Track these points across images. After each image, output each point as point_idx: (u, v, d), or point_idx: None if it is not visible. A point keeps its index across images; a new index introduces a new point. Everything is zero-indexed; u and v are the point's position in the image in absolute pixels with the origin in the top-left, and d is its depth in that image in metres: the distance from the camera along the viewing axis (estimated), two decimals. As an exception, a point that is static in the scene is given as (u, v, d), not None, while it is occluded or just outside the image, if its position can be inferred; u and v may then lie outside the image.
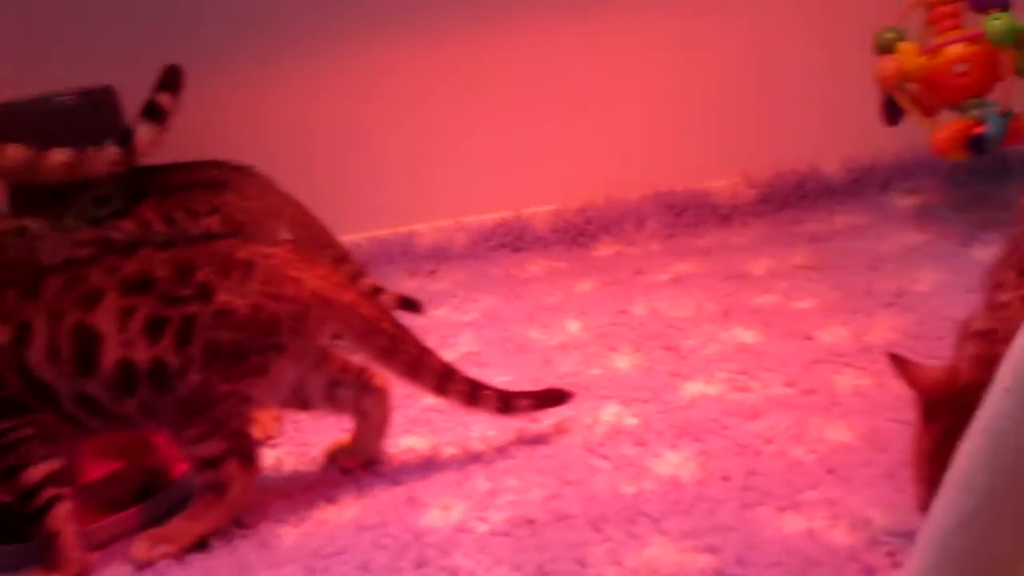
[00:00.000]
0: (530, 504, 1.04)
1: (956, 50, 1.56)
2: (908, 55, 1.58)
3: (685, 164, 1.94)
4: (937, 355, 1.21)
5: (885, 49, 1.63)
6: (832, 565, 0.86)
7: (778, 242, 1.74)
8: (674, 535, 0.94)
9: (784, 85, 1.92)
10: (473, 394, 1.16)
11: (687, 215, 1.91)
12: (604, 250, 1.88)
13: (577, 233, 1.94)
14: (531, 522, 1.01)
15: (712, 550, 0.90)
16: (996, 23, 1.51)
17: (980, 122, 1.54)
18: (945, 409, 0.83)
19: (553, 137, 1.96)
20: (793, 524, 0.93)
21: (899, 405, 1.11)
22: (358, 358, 1.16)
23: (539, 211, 1.97)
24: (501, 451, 1.17)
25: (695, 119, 1.94)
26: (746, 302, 1.49)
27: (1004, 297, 0.94)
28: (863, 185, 1.88)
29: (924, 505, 0.79)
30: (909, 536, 0.88)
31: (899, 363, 0.87)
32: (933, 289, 1.43)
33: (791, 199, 1.89)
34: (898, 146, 1.87)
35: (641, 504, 1.00)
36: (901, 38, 1.62)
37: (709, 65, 1.92)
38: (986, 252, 1.52)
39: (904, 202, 1.83)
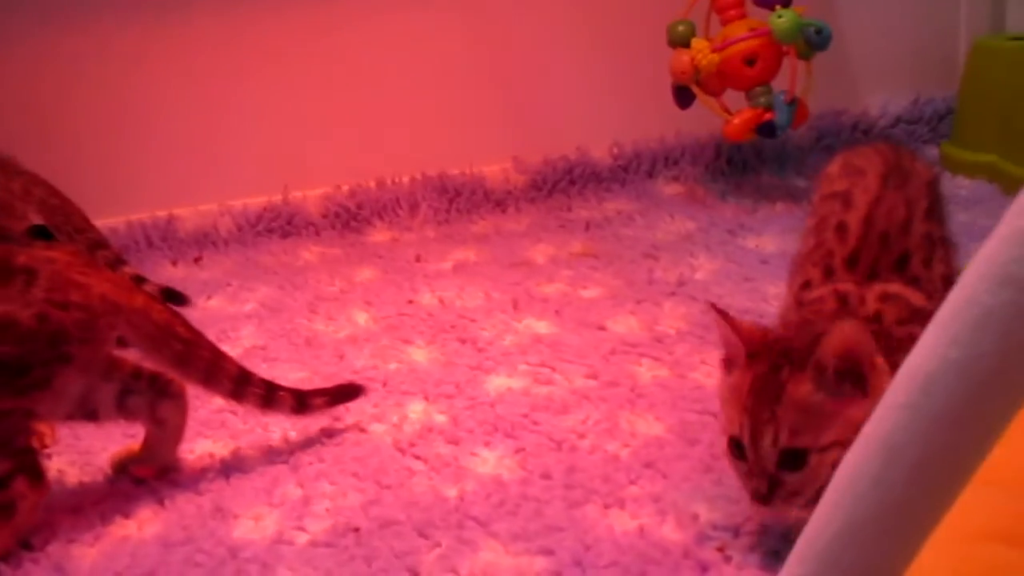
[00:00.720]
0: (350, 511, 1.01)
1: (744, 44, 1.64)
2: (701, 51, 1.64)
3: (457, 148, 1.93)
4: (728, 344, 1.27)
5: (678, 42, 1.68)
6: (668, 563, 0.88)
7: (554, 229, 1.77)
8: (505, 538, 0.94)
9: (554, 70, 1.94)
10: (268, 396, 1.11)
11: (461, 200, 1.90)
12: (378, 236, 1.85)
13: (349, 218, 1.89)
14: (355, 530, 0.98)
15: (547, 552, 0.91)
16: (781, 22, 1.59)
17: (769, 109, 1.63)
18: (764, 354, 0.85)
19: (322, 118, 1.91)
20: (622, 522, 0.94)
21: (701, 396, 1.15)
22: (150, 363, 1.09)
23: (309, 195, 1.91)
24: (308, 453, 1.13)
25: (466, 102, 1.94)
26: (533, 291, 1.50)
27: (814, 294, 0.99)
28: (630, 171, 1.93)
29: (750, 434, 0.82)
30: (735, 530, 0.91)
31: (722, 315, 0.88)
32: (711, 277, 1.49)
33: (561, 185, 1.92)
34: (662, 132, 1.93)
35: (467, 507, 0.99)
36: (693, 32, 1.68)
37: (480, 49, 1.92)
38: (756, 240, 1.61)
39: (670, 188, 1.90)
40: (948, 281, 1.02)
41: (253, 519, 1.02)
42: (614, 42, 1.91)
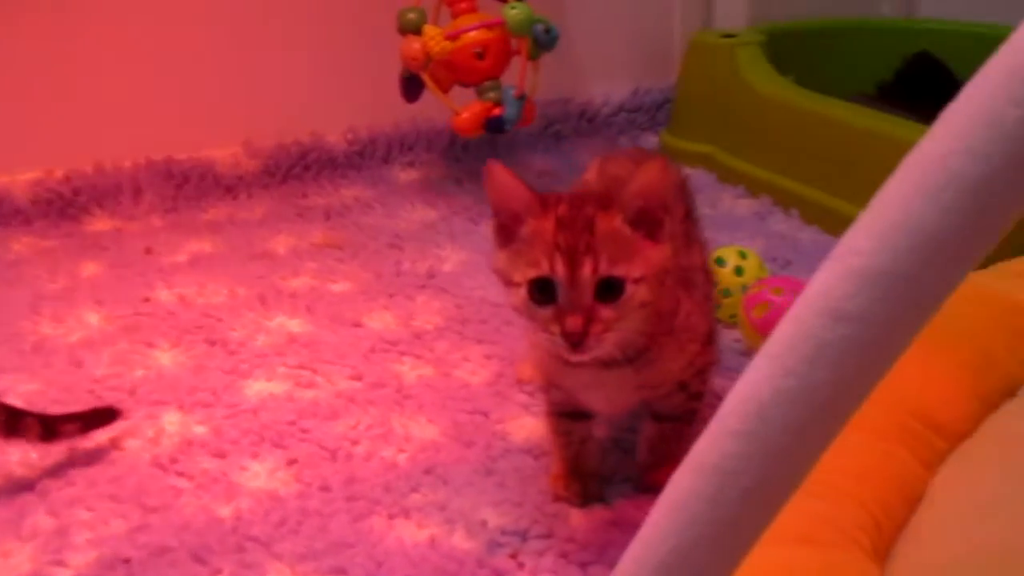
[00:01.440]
0: (115, 539, 0.94)
1: (475, 35, 1.64)
2: (434, 37, 1.62)
3: (184, 131, 1.83)
4: (487, 339, 1.29)
5: (409, 29, 1.66)
6: (463, 575, 0.88)
7: (291, 217, 1.72)
8: (291, 559, 0.91)
9: (286, 50, 1.88)
10: (11, 424, 1.02)
11: (189, 187, 1.81)
12: (99, 225, 1.73)
13: (64, 205, 1.75)
14: (125, 561, 0.91)
15: (338, 572, 0.88)
16: (515, 13, 1.61)
17: (498, 104, 1.65)
18: (558, 201, 0.83)
19: (32, 95, 1.76)
20: (411, 533, 0.93)
21: (469, 395, 1.16)
22: None
23: (17, 179, 1.76)
24: (56, 477, 1.04)
25: (193, 82, 1.84)
26: (279, 286, 1.46)
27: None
28: (365, 157, 1.90)
29: (566, 266, 0.79)
30: (523, 535, 0.93)
31: (505, 169, 0.84)
32: (461, 268, 1.50)
33: (295, 171, 1.87)
34: (397, 117, 1.92)
35: (244, 527, 0.95)
36: (424, 19, 1.67)
37: (208, 25, 1.83)
38: (498, 231, 1.63)
39: (407, 175, 1.89)
40: (705, 270, 1.07)
41: (1, 556, 0.93)
42: (350, 23, 1.88)
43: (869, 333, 0.52)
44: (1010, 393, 1.01)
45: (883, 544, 0.79)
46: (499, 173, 0.84)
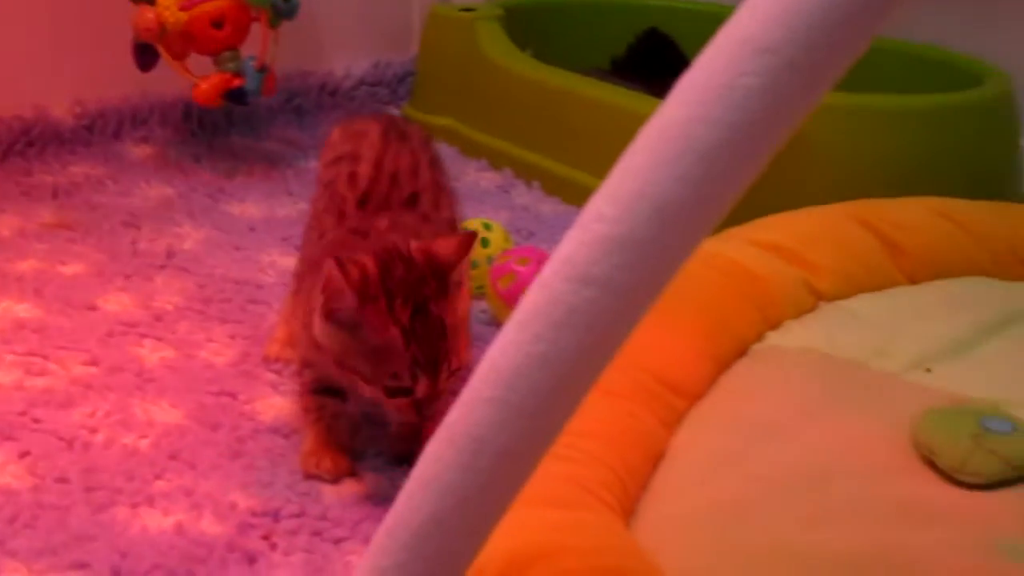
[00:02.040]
0: None
1: (211, 5, 1.58)
2: (168, 7, 1.55)
3: None
4: (231, 319, 1.25)
5: (141, -1, 1.58)
6: (213, 560, 0.85)
7: (16, 197, 1.61)
8: (27, 556, 0.85)
9: (4, 18, 1.75)
10: None
11: None
12: None
13: None
14: None
15: (80, 566, 0.84)
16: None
17: (238, 75, 1.59)
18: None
19: None
20: (156, 521, 0.90)
21: (214, 376, 1.13)
22: None
23: None
24: None
25: None
26: (5, 269, 1.36)
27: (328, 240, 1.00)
28: (95, 132, 1.80)
29: (429, 376, 0.87)
30: (275, 515, 0.91)
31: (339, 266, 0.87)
32: (201, 247, 1.44)
33: (18, 147, 1.74)
34: (127, 90, 1.82)
35: (-28, 526, 0.89)
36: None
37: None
38: (240, 206, 1.58)
39: (140, 151, 1.80)
40: (453, 225, 1.08)
41: None
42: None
43: (613, 297, 0.53)
44: (741, 353, 1.07)
45: (629, 502, 0.83)
46: (335, 271, 0.86)
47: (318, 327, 0.89)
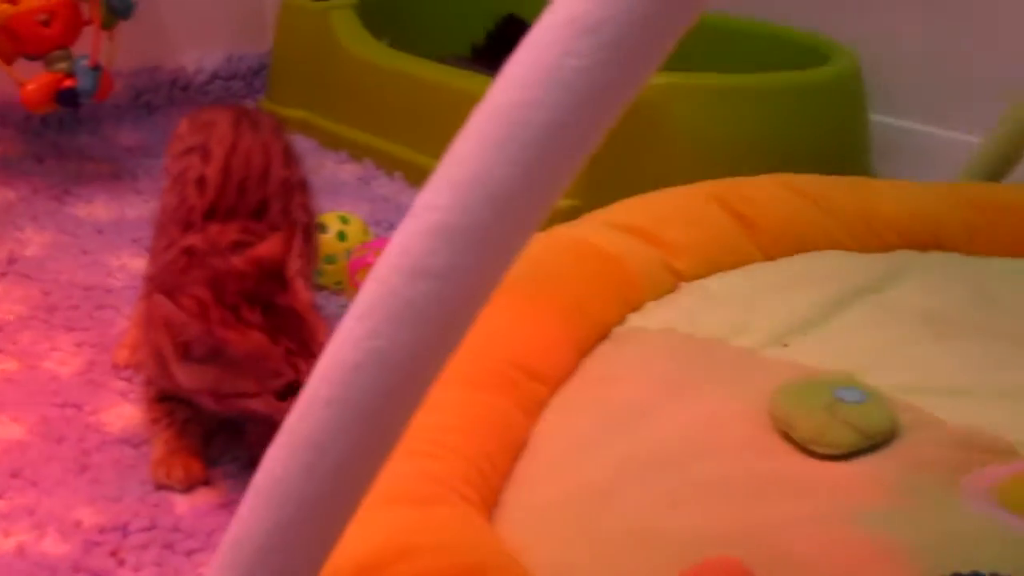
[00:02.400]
0: None
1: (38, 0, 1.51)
2: (-6, 5, 1.48)
3: None
4: (78, 326, 1.20)
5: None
6: (58, 580, 0.81)
7: None
8: None
9: None
10: None
11: None
12: None
13: None
14: None
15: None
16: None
17: (69, 75, 1.52)
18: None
19: None
20: (-4, 543, 0.85)
21: (59, 388, 1.08)
22: None
23: None
24: None
25: None
26: None
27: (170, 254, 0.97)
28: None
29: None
30: (124, 530, 0.87)
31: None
32: (45, 252, 1.38)
33: None
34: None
35: None
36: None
37: None
38: (87, 208, 1.52)
39: (-22, 154, 1.71)
40: (307, 229, 1.06)
41: None
42: None
43: (450, 288, 0.52)
44: (603, 337, 1.07)
45: (491, 494, 0.81)
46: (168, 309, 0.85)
47: (180, 373, 0.87)
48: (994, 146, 1.49)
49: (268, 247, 0.91)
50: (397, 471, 0.73)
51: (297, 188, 1.06)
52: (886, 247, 1.31)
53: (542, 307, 1.02)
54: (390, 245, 0.52)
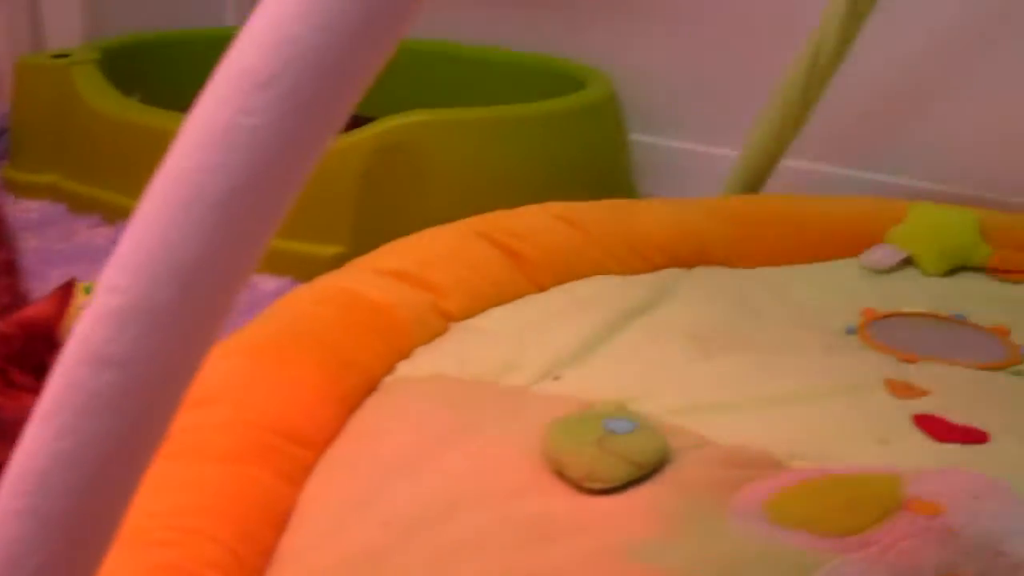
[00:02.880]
0: None
1: None
2: None
3: None
4: None
5: None
6: None
7: None
8: None
9: None
10: None
11: None
12: None
13: None
14: None
15: None
16: None
17: None
18: None
19: None
20: None
21: None
22: None
23: None
24: None
25: None
26: None
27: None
28: None
29: None
30: None
31: None
32: None
33: None
34: None
35: None
36: None
37: None
38: None
39: None
40: (10, 311, 0.99)
41: None
42: None
43: (138, 376, 0.47)
44: (371, 390, 1.03)
45: (245, 573, 0.76)
46: None
47: None
48: (749, 159, 1.54)
49: (39, 308, 0.87)
50: (132, 566, 0.67)
51: (3, 271, 0.99)
52: (652, 267, 1.33)
53: (303, 366, 0.97)
54: (73, 333, 0.47)
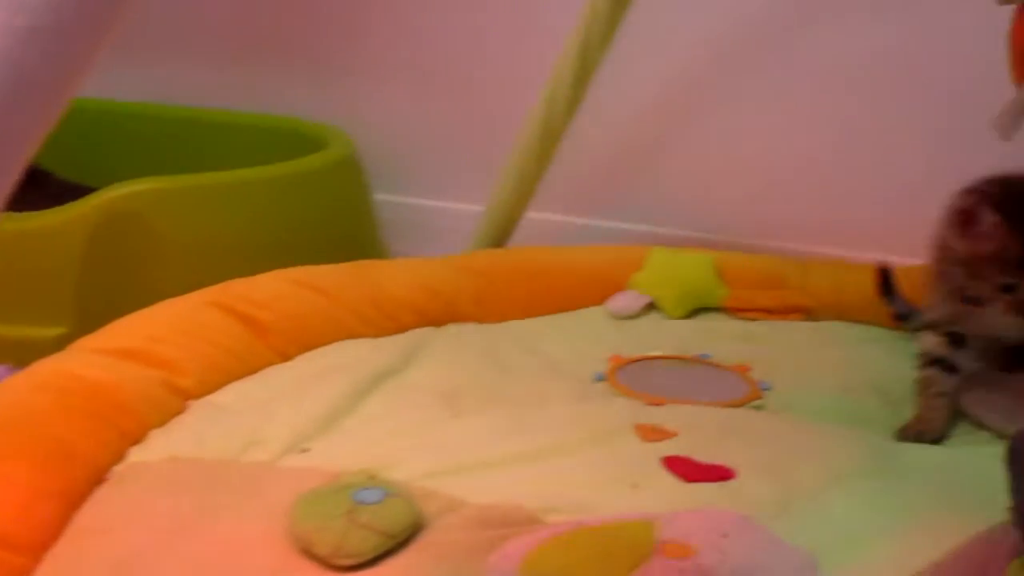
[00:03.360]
0: None
1: None
2: None
3: None
4: None
5: None
6: None
7: None
8: None
9: None
10: None
11: None
12: None
13: None
14: None
15: None
16: None
17: None
18: None
19: None
20: None
21: None
22: None
23: None
24: None
25: None
26: None
27: None
28: None
29: None
30: None
31: None
32: None
33: None
34: None
35: None
36: None
37: None
38: None
39: None
40: None
41: None
42: None
43: None
44: (99, 481, 0.95)
45: None
46: None
47: None
48: (493, 214, 1.54)
49: None
50: None
51: None
52: (401, 328, 1.30)
53: (14, 462, 0.88)
54: None
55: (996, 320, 0.99)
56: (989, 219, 0.95)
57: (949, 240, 1.02)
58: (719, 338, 1.33)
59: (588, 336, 1.33)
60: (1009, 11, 1.09)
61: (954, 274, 1.03)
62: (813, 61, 1.59)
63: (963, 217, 0.98)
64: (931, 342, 1.12)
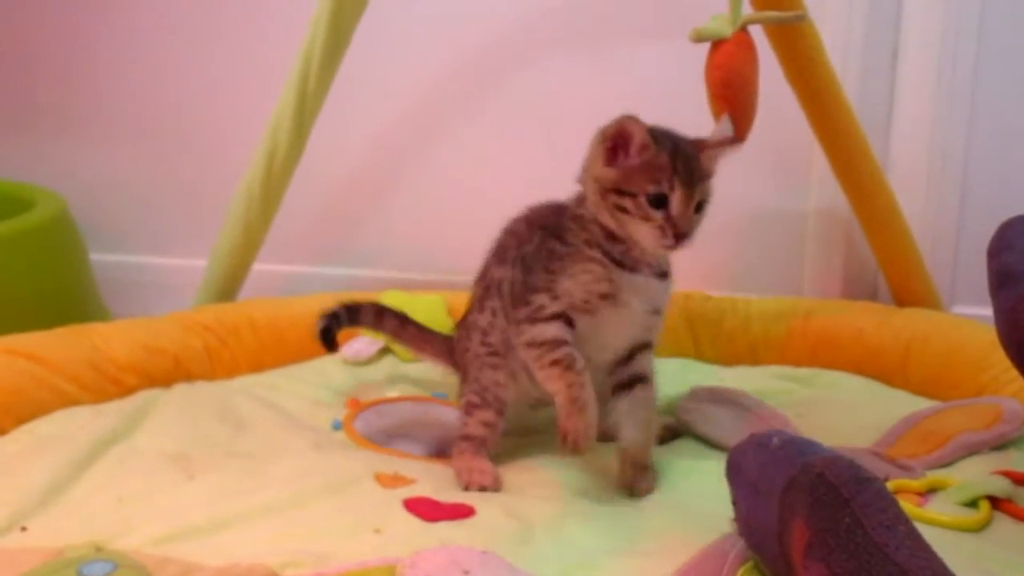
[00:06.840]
0: None
1: None
2: None
3: None
4: None
5: None
6: None
7: None
8: None
9: None
10: None
11: None
12: None
13: None
14: None
15: None
16: None
17: None
18: None
19: None
20: None
21: None
22: None
23: None
24: None
25: None
26: None
27: None
28: None
29: None
30: None
31: None
32: None
33: None
34: None
35: None
36: None
37: None
38: None
39: None
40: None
41: None
42: None
43: None
44: None
45: None
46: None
47: None
48: (217, 267, 1.49)
49: None
50: None
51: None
52: (126, 391, 1.25)
53: None
54: None
55: (648, 238, 0.97)
56: (639, 133, 0.95)
57: (600, 167, 0.99)
58: (454, 377, 1.34)
59: (323, 384, 1.32)
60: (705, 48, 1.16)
61: (608, 199, 0.99)
62: (527, 100, 1.65)
63: (614, 136, 0.97)
64: (553, 330, 1.03)
